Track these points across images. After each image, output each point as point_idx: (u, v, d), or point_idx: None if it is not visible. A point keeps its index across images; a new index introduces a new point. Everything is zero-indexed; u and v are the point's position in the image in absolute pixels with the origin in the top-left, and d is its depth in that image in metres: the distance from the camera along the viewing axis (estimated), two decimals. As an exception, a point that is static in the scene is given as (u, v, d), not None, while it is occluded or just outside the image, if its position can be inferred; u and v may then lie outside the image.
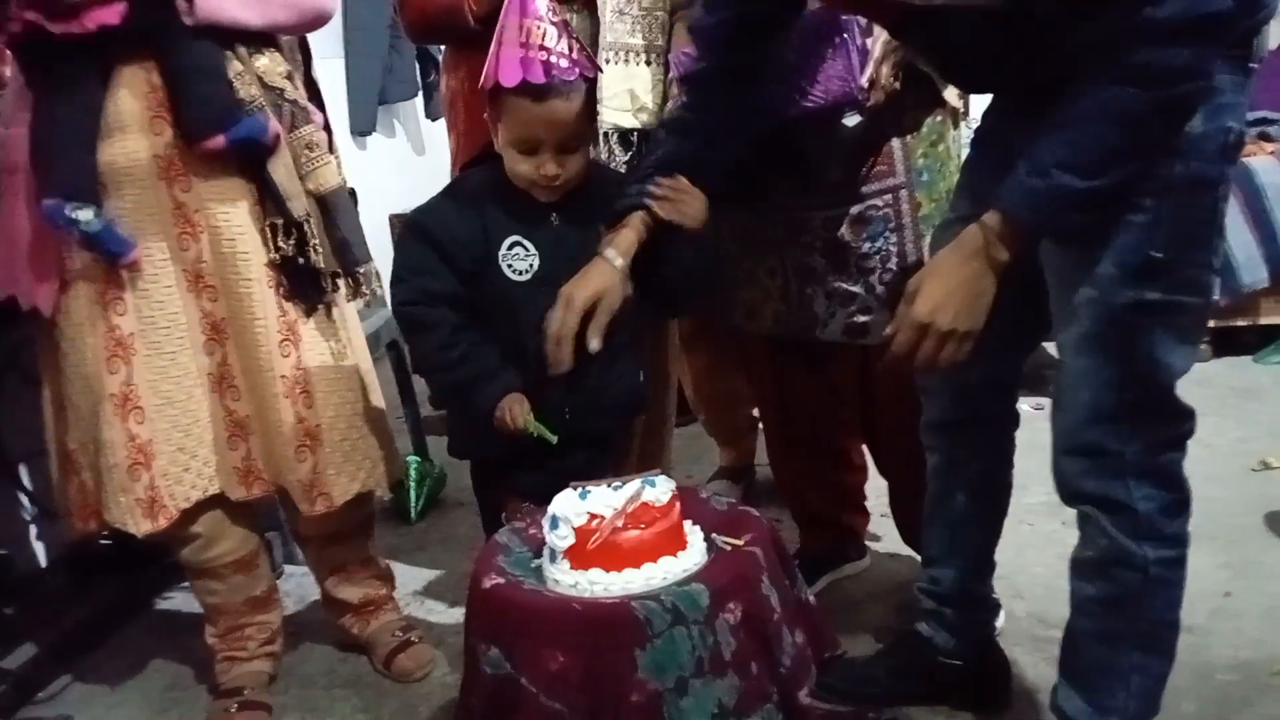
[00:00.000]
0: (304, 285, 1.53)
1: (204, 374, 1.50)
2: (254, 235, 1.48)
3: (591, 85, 1.43)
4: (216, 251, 1.47)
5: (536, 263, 1.42)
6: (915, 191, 1.64)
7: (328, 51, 3.55)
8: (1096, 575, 1.28)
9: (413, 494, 2.41)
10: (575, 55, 1.37)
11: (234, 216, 1.47)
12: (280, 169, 1.47)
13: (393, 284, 1.45)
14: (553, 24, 1.35)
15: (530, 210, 1.42)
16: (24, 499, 2.09)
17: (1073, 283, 1.22)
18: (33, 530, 2.15)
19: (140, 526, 1.47)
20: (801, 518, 1.99)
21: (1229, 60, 1.10)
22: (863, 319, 1.68)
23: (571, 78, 1.36)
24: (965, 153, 1.73)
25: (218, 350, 1.50)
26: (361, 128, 3.73)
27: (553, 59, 1.33)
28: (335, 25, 3.58)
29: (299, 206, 1.49)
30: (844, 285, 1.68)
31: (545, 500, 1.35)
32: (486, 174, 1.45)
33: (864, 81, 1.50)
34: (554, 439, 1.38)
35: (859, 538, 2.01)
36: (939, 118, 1.67)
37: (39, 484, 2.09)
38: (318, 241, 1.51)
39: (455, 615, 1.91)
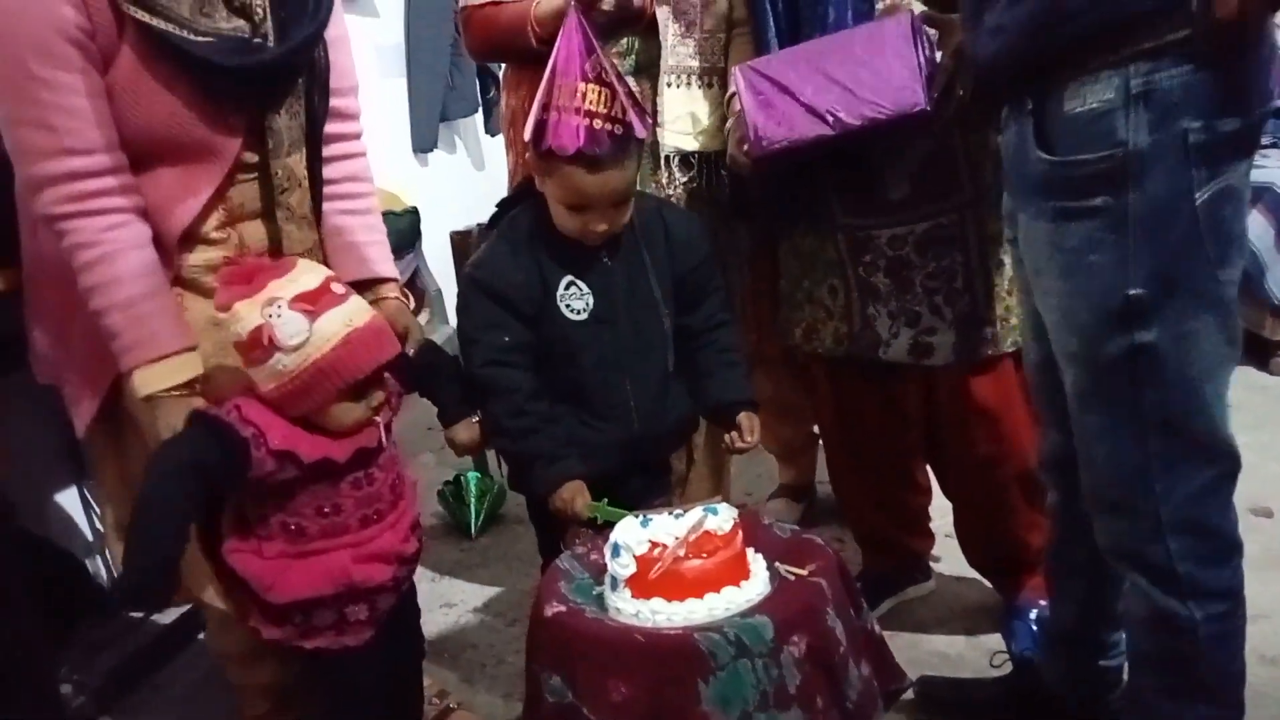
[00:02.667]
0: None
1: None
2: None
3: (642, 142, 1.40)
4: None
5: (591, 301, 1.42)
6: (983, 211, 1.61)
7: (391, 70, 3.61)
8: (1147, 634, 1.21)
9: (473, 509, 2.42)
10: (629, 117, 1.32)
11: None
12: None
13: (464, 345, 1.44)
14: (606, 85, 1.31)
15: (580, 250, 1.41)
16: (95, 517, 2.15)
17: (1058, 326, 1.16)
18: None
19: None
20: (864, 539, 1.96)
21: (1171, 55, 1.00)
22: (928, 339, 1.66)
23: (627, 144, 1.33)
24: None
25: None
26: (423, 145, 3.77)
27: (609, 126, 1.30)
28: (398, 44, 3.63)
29: None
30: (909, 305, 1.66)
31: (601, 526, 1.36)
32: (532, 214, 1.44)
33: (933, 93, 1.46)
34: (622, 516, 1.31)
35: (923, 560, 1.98)
36: None
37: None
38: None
39: (515, 634, 1.92)
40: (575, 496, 1.38)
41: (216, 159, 1.32)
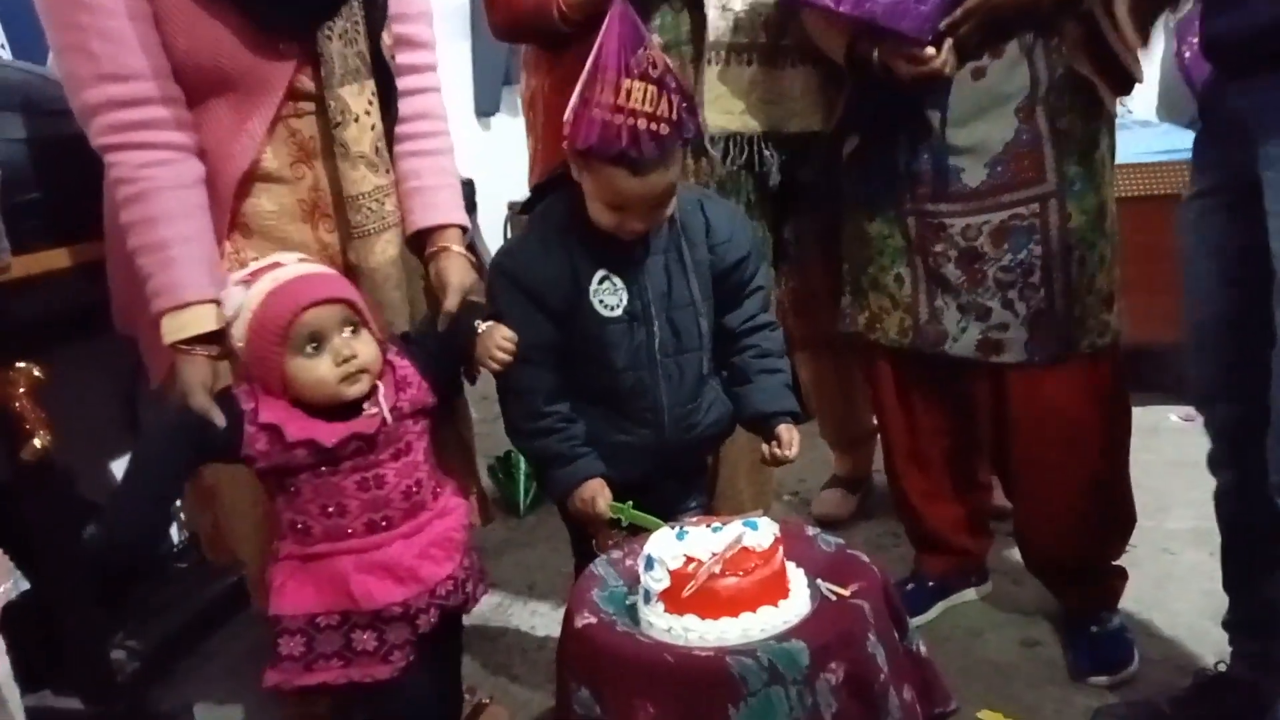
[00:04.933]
0: None
1: None
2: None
3: (688, 141, 1.31)
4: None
5: (625, 298, 1.35)
6: (1066, 201, 1.52)
7: (455, 33, 3.57)
8: None
9: (521, 487, 2.42)
10: (676, 116, 1.23)
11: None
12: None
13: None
14: (653, 82, 1.21)
15: (616, 244, 1.34)
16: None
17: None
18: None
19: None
20: (919, 538, 1.89)
21: None
22: (998, 335, 1.58)
23: (673, 146, 1.25)
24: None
25: None
26: (486, 108, 3.75)
27: (654, 126, 1.20)
28: (462, 4, 3.59)
29: None
30: (980, 299, 1.58)
31: (636, 530, 1.32)
32: (566, 204, 1.36)
33: (938, 26, 1.38)
34: (648, 519, 1.29)
35: (981, 561, 1.91)
36: (1097, 126, 1.53)
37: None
38: None
39: (557, 618, 1.86)
40: (595, 496, 1.34)
41: (268, 89, 1.28)
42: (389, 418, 1.24)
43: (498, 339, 1.31)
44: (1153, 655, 1.66)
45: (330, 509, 1.23)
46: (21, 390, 1.45)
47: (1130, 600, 1.74)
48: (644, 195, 1.26)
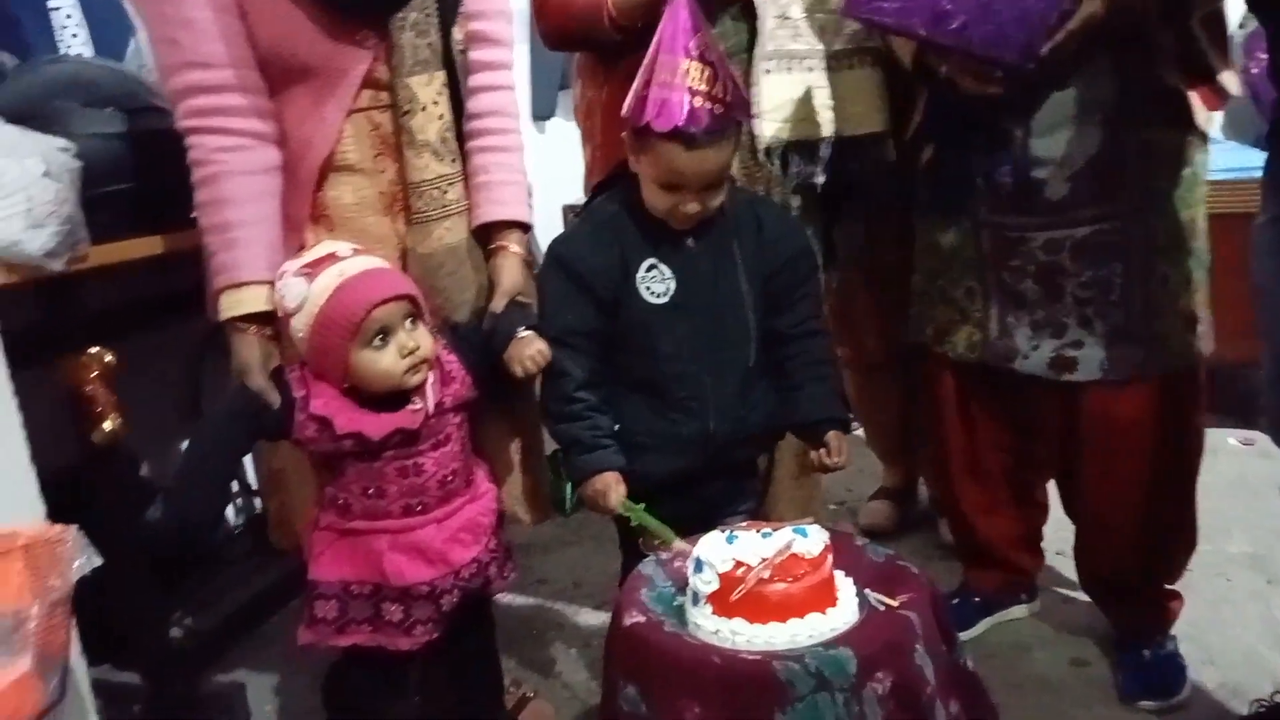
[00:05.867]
0: None
1: None
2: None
3: (740, 127, 1.36)
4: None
5: (673, 286, 1.38)
6: (1151, 219, 1.47)
7: (515, 35, 3.61)
8: None
9: (569, 485, 2.43)
10: (730, 98, 1.29)
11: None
12: None
13: (538, 317, 1.42)
14: (709, 63, 1.28)
15: (665, 233, 1.38)
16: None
17: None
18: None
19: None
20: (969, 552, 1.88)
21: None
22: (1072, 353, 1.54)
23: (727, 125, 1.29)
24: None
25: None
26: (542, 112, 3.78)
27: (708, 105, 1.26)
28: (522, 7, 3.62)
29: None
30: (1056, 315, 1.54)
31: (683, 530, 1.33)
32: (621, 196, 1.41)
33: (1040, 52, 1.34)
34: (677, 544, 1.27)
35: (1030, 579, 1.88)
36: (1186, 140, 1.50)
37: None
38: None
39: (603, 617, 1.92)
40: (609, 489, 1.36)
41: (344, 77, 1.32)
42: (432, 411, 1.28)
43: (532, 350, 1.34)
44: (1205, 683, 1.63)
45: (370, 491, 1.28)
46: (94, 375, 1.50)
47: (1184, 624, 1.71)
48: (698, 172, 1.29)
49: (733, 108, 1.30)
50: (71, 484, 1.64)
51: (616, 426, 1.42)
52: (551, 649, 1.90)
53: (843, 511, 2.40)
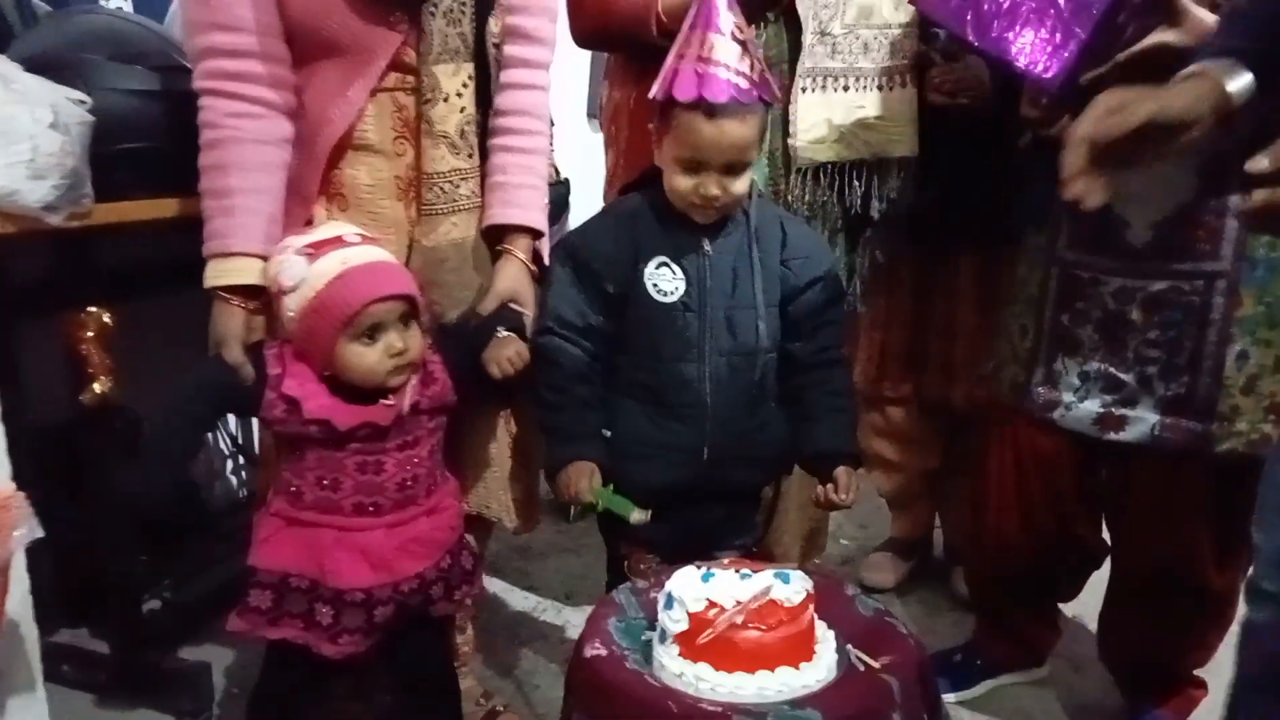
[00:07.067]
0: None
1: None
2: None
3: (767, 110, 1.31)
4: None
5: (683, 286, 1.33)
6: (1240, 285, 1.33)
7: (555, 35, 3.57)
8: None
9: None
10: (756, 76, 1.26)
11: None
12: None
13: (539, 304, 1.39)
14: (737, 41, 1.25)
15: (683, 232, 1.33)
16: (224, 439, 2.24)
17: None
18: (229, 466, 2.30)
19: None
20: (984, 612, 1.77)
21: None
22: (1123, 411, 1.42)
23: (750, 100, 1.25)
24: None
25: None
26: (597, 111, 3.73)
27: (733, 78, 1.23)
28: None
29: None
30: (1113, 369, 1.42)
31: (672, 556, 1.26)
32: (644, 194, 1.38)
33: (1079, 79, 1.25)
34: (635, 515, 1.26)
35: (1043, 653, 1.77)
36: None
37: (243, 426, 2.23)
38: None
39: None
40: (582, 478, 1.30)
41: (372, 57, 1.30)
42: (405, 410, 1.24)
43: (510, 351, 1.30)
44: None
45: (325, 481, 1.23)
46: (90, 334, 1.47)
47: (1204, 712, 1.59)
48: (718, 145, 1.25)
49: (759, 86, 1.26)
50: (66, 442, 1.62)
51: (608, 433, 1.37)
52: (532, 659, 1.84)
53: (853, 548, 2.31)
